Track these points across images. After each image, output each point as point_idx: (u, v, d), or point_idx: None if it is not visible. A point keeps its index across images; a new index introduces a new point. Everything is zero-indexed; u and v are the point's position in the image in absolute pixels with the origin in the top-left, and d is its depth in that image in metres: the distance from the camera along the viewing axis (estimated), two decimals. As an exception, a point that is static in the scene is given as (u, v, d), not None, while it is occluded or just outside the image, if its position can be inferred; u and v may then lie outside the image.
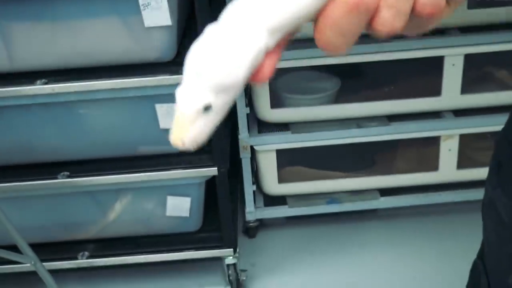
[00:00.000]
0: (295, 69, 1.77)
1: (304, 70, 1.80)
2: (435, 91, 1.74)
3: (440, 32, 1.67)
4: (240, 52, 0.41)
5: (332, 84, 1.82)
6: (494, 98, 1.72)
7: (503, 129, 0.83)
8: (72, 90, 1.51)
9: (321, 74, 1.84)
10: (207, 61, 0.41)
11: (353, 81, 1.85)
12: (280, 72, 1.78)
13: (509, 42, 1.62)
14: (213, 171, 1.63)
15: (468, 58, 1.66)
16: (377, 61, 1.70)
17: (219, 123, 0.44)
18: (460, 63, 1.67)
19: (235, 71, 0.42)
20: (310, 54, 1.68)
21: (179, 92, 0.42)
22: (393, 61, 1.69)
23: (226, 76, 0.42)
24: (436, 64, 1.69)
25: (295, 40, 1.49)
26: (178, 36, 1.58)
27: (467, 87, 1.71)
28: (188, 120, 0.42)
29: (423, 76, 1.78)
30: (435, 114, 1.77)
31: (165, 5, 1.49)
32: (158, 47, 1.57)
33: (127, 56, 1.56)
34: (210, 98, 0.42)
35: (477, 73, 1.77)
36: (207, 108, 0.42)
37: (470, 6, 1.62)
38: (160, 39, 1.55)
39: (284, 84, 1.81)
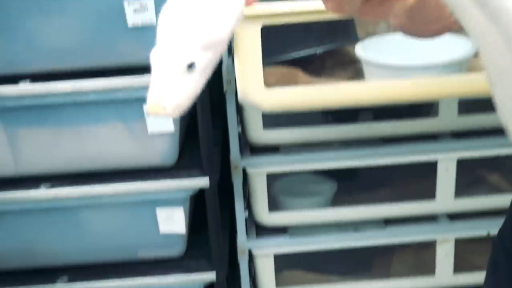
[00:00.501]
0: (293, 173, 1.81)
1: (301, 174, 1.84)
2: (430, 194, 1.77)
3: (432, 137, 1.72)
4: (228, 7, 0.39)
5: (328, 188, 1.86)
6: (488, 202, 1.75)
7: (499, 231, 0.86)
8: (75, 195, 1.54)
9: (318, 178, 1.88)
10: (195, 16, 0.38)
11: (349, 184, 1.88)
12: (277, 176, 1.82)
13: (500, 146, 1.67)
14: (211, 275, 1.63)
15: (460, 162, 1.71)
16: (372, 165, 1.74)
17: (202, 86, 0.38)
18: (453, 167, 1.71)
19: (224, 26, 0.39)
20: (307, 158, 1.72)
21: (155, 53, 0.38)
22: (388, 165, 1.73)
23: (215, 31, 0.38)
24: (429, 169, 1.73)
25: (292, 145, 1.54)
26: (180, 141, 1.63)
27: (460, 190, 1.75)
28: (169, 82, 0.37)
29: (418, 180, 1.82)
30: (430, 218, 1.80)
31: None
32: (160, 153, 1.61)
33: (129, 161, 1.60)
34: (193, 56, 0.38)
35: (470, 177, 1.81)
36: (190, 66, 0.38)
37: (461, 112, 1.68)
38: (163, 145, 1.60)
39: (281, 187, 1.84)
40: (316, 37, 1.51)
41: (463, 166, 1.72)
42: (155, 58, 0.38)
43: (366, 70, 1.42)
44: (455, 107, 1.68)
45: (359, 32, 1.58)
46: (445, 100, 1.65)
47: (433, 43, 1.48)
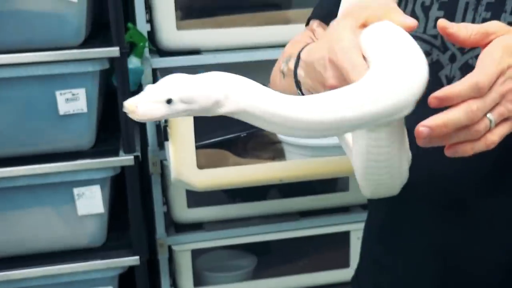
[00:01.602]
0: (215, 248, 1.89)
1: (224, 249, 1.92)
2: (344, 263, 1.90)
3: (345, 209, 1.87)
4: (207, 86, 0.56)
5: (249, 262, 1.95)
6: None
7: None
8: (5, 279, 1.55)
9: (239, 253, 1.97)
10: (184, 80, 0.55)
11: (268, 258, 1.98)
12: (200, 252, 1.89)
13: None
14: None
15: (371, 231, 1.86)
16: (289, 238, 1.85)
17: (172, 117, 0.54)
18: (364, 236, 1.86)
19: (205, 94, 0.55)
20: (229, 234, 1.81)
21: (159, 82, 0.54)
22: (304, 237, 1.86)
23: (195, 92, 0.55)
24: (343, 238, 1.87)
25: (215, 221, 1.64)
26: (109, 222, 1.68)
27: (372, 258, 1.89)
28: (151, 99, 0.53)
29: (333, 249, 1.95)
30: (346, 283, 1.92)
31: (98, 194, 1.60)
32: (90, 234, 1.65)
33: (59, 243, 1.63)
34: (174, 96, 0.54)
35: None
36: (169, 102, 0.54)
37: (369, 186, 1.84)
38: (92, 227, 1.65)
39: (205, 263, 1.91)
40: (240, 121, 1.63)
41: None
42: (156, 84, 0.55)
43: (287, 150, 1.56)
44: (363, 181, 1.84)
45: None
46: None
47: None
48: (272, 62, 1.77)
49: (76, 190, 1.59)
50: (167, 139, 1.36)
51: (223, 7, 1.79)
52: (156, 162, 1.72)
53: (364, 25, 0.67)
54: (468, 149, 0.62)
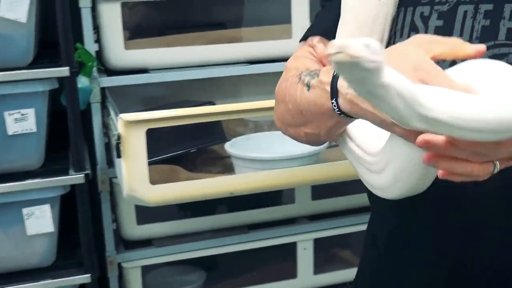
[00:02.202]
0: (165, 264, 1.91)
1: (173, 264, 1.94)
2: (291, 274, 1.95)
3: (291, 221, 1.93)
4: None
5: (198, 277, 1.97)
6: (343, 276, 1.97)
7: None
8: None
9: (188, 268, 1.99)
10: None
11: (217, 272, 2.02)
12: (150, 268, 1.91)
13: (349, 226, 1.92)
14: None
15: (317, 242, 1.92)
16: (238, 252, 1.89)
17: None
18: (310, 247, 1.92)
19: None
20: (178, 249, 1.84)
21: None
22: (252, 250, 1.90)
23: None
24: (290, 250, 1.92)
25: (164, 237, 1.67)
26: (58, 241, 1.68)
27: (319, 267, 1.95)
28: (357, 47, 0.52)
29: (280, 261, 2.00)
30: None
31: (48, 213, 1.61)
32: (40, 254, 1.65)
33: (8, 263, 1.62)
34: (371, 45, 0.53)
35: (326, 254, 2.03)
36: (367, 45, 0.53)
37: (314, 198, 1.91)
38: (42, 246, 1.64)
39: (155, 279, 1.93)
40: (190, 137, 1.67)
41: (319, 245, 1.94)
42: None
43: (236, 164, 1.60)
44: (309, 193, 1.90)
45: (227, 132, 1.77)
46: (301, 187, 1.87)
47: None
48: (219, 79, 1.84)
49: (25, 210, 1.59)
50: (119, 156, 1.38)
51: (171, 27, 1.83)
52: (105, 180, 1.73)
53: (434, 58, 0.69)
54: (459, 179, 0.66)
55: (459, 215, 0.86)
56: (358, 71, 0.53)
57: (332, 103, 0.78)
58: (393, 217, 0.95)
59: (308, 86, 0.82)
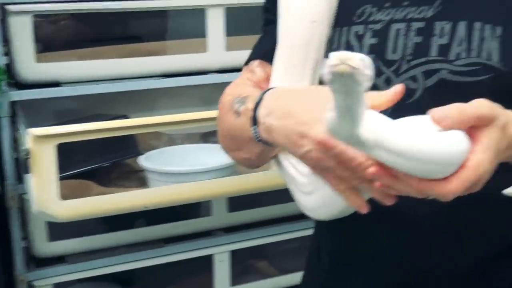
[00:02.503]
0: (79, 281, 1.87)
1: (88, 281, 1.90)
2: (208, 286, 1.95)
3: (208, 234, 1.93)
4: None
5: (113, 293, 1.95)
6: (260, 287, 1.99)
7: None
8: None
9: (103, 284, 1.95)
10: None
11: (133, 287, 1.99)
12: (63, 286, 1.86)
13: (266, 236, 1.94)
14: None
15: (233, 253, 1.93)
16: (154, 266, 1.88)
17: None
18: (227, 259, 1.93)
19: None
20: (92, 265, 1.80)
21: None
22: (168, 264, 1.89)
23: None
24: (207, 262, 1.93)
25: (78, 253, 1.64)
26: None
27: (236, 279, 1.96)
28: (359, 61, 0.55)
29: (197, 274, 2.00)
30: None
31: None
32: None
33: None
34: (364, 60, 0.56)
35: (243, 266, 2.04)
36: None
37: (230, 210, 1.92)
38: None
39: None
40: (103, 151, 1.66)
41: (236, 256, 1.95)
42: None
43: (151, 178, 1.60)
44: (225, 205, 1.91)
45: (141, 146, 1.76)
46: (217, 200, 1.88)
47: (207, 151, 1.72)
48: (133, 92, 1.82)
49: None
50: (28, 172, 1.35)
51: (85, 40, 1.81)
52: (15, 196, 1.69)
53: None
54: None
55: (401, 232, 0.89)
56: (351, 83, 0.56)
57: (252, 130, 0.82)
58: (336, 233, 0.98)
59: (238, 113, 0.86)
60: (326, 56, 0.91)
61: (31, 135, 1.34)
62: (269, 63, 0.96)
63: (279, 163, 0.89)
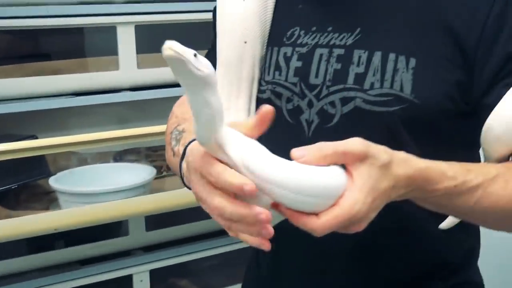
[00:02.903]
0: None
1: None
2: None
3: (126, 253, 1.90)
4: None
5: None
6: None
7: None
8: None
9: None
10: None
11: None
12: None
13: (185, 254, 1.92)
14: None
15: (153, 272, 1.91)
16: (72, 288, 1.83)
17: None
18: (146, 278, 1.90)
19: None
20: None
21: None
22: (85, 286, 1.84)
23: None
24: (126, 282, 1.89)
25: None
26: None
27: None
28: (185, 49, 0.60)
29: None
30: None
31: None
32: None
33: None
34: (199, 58, 0.62)
35: (165, 285, 2.02)
36: (195, 55, 0.61)
37: (148, 229, 1.90)
38: None
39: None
40: (11, 173, 1.61)
41: (155, 275, 1.92)
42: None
43: (62, 199, 1.56)
44: (143, 225, 1.89)
45: (51, 166, 1.72)
46: (134, 219, 1.85)
47: (120, 170, 1.69)
48: (43, 112, 1.78)
49: None
50: None
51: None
52: None
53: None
54: None
55: (318, 264, 0.92)
56: (189, 76, 0.62)
57: (180, 179, 0.83)
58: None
59: (173, 152, 0.88)
60: (261, 74, 0.95)
61: None
62: None
63: None
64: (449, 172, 0.74)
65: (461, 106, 0.84)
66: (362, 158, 0.67)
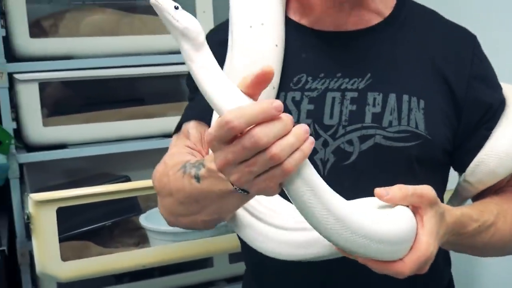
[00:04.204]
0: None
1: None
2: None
3: (210, 284, 1.97)
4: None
5: None
6: None
7: None
8: None
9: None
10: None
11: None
12: None
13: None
14: None
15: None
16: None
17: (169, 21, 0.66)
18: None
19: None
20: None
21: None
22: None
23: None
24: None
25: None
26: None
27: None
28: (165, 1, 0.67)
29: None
30: None
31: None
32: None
33: None
34: (180, 11, 0.67)
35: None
36: (176, 8, 0.67)
37: (231, 262, 1.97)
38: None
39: None
40: (105, 212, 1.73)
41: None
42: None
43: (151, 236, 1.66)
44: (226, 257, 1.95)
45: (142, 204, 1.84)
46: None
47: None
48: (136, 153, 1.90)
49: None
50: (30, 236, 1.42)
51: (91, 104, 1.91)
52: (25, 253, 1.76)
53: None
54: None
55: None
56: (169, 26, 0.67)
57: (235, 189, 0.76)
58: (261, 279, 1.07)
59: (197, 177, 0.84)
60: None
61: (31, 200, 1.41)
62: (206, 120, 0.97)
63: (233, 217, 0.91)
64: (474, 216, 0.86)
65: (451, 147, 0.96)
66: (433, 203, 0.75)
